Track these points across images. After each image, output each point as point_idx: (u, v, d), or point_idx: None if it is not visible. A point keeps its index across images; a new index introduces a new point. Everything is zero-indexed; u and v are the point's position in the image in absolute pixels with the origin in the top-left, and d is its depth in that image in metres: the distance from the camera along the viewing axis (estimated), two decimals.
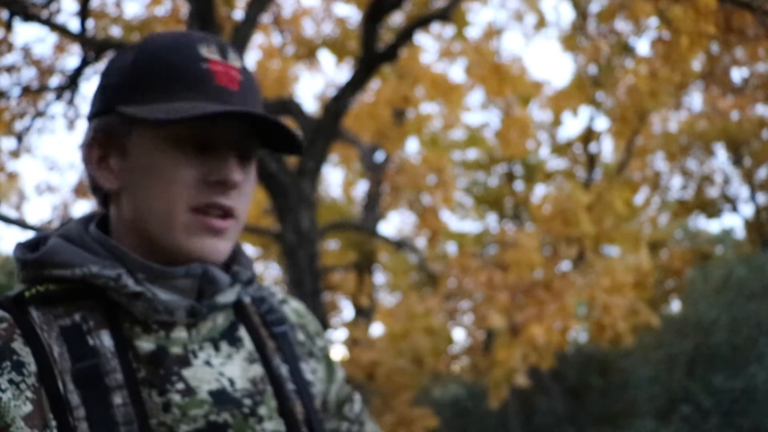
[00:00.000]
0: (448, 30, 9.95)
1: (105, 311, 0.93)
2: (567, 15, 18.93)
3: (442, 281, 9.62)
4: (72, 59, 6.99)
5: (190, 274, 0.94)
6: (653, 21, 7.16)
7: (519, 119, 10.32)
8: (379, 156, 11.10)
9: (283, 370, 1.03)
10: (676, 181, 14.90)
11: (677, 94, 10.07)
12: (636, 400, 11.02)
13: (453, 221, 14.16)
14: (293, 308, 1.16)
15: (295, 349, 1.09)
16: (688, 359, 10.59)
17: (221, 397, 0.94)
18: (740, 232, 15.60)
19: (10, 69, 6.37)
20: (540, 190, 13.73)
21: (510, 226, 13.44)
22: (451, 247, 13.54)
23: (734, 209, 15.03)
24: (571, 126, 29.62)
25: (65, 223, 1.02)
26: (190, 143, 0.94)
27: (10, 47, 6.14)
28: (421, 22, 7.15)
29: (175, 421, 0.91)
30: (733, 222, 25.21)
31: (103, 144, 0.97)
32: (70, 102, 6.83)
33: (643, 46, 12.18)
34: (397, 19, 8.53)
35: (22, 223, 5.68)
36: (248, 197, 1.00)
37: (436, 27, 9.63)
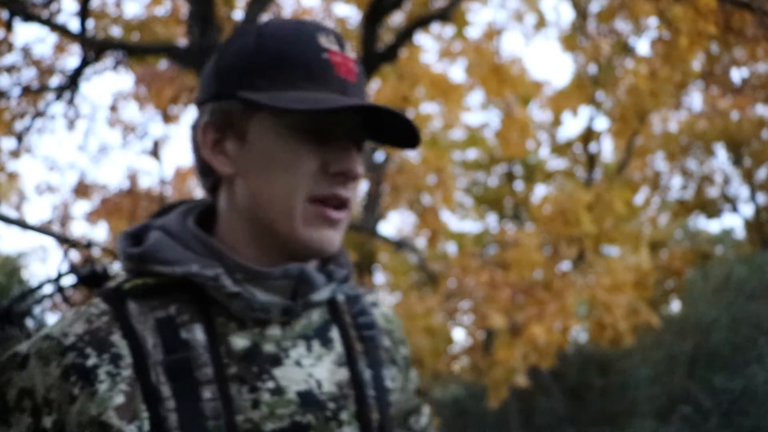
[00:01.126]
0: (448, 30, 9.95)
1: (200, 305, 0.94)
2: (567, 15, 18.93)
3: (442, 281, 9.62)
4: (72, 59, 7.00)
5: (288, 275, 0.95)
6: (653, 21, 7.16)
7: (519, 119, 10.31)
8: (379, 156, 11.10)
9: (367, 375, 1.03)
10: (676, 181, 14.91)
11: (677, 94, 10.07)
12: (636, 400, 11.02)
13: (453, 221, 14.16)
14: (383, 313, 1.15)
15: (380, 354, 1.08)
16: (688, 359, 10.59)
17: (307, 399, 0.95)
18: (740, 232, 15.62)
19: (10, 69, 6.37)
20: (540, 190, 13.74)
21: (510, 226, 13.44)
22: (451, 247, 13.54)
23: (734, 209, 15.04)
24: (571, 126, 29.61)
25: (163, 210, 1.02)
26: (312, 133, 0.94)
27: (10, 47, 6.14)
28: (421, 22, 7.15)
29: (262, 418, 0.92)
30: (733, 222, 25.20)
31: (220, 128, 0.96)
32: (70, 102, 6.84)
33: (643, 46, 12.18)
34: (397, 19, 8.53)
35: (22, 223, 5.67)
36: (358, 187, 1.00)
37: (436, 27, 9.62)
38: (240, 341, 0.94)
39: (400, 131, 0.97)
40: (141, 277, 0.95)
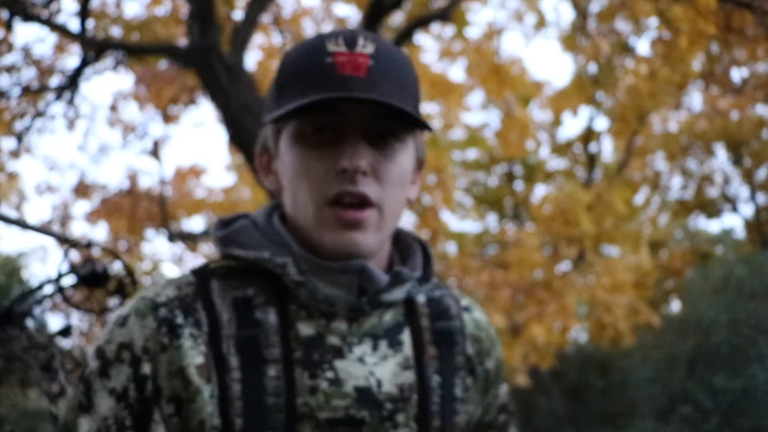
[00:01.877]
0: (448, 30, 9.95)
1: (275, 291, 1.00)
2: (567, 15, 18.91)
3: (442, 281, 9.62)
4: (72, 59, 7.00)
5: (347, 269, 0.98)
6: (653, 21, 7.16)
7: (519, 119, 10.31)
8: None
9: (435, 381, 1.04)
10: (676, 181, 14.90)
11: (677, 94, 10.07)
12: (636, 400, 11.02)
13: (453, 221, 14.14)
14: (474, 318, 1.14)
15: (456, 360, 1.08)
16: (688, 359, 10.59)
17: (364, 395, 0.98)
18: (740, 232, 15.60)
19: (10, 69, 6.37)
20: (540, 190, 13.73)
21: (510, 226, 13.44)
22: (451, 247, 13.53)
23: (734, 209, 15.03)
24: (571, 126, 29.59)
25: (274, 206, 1.09)
26: (317, 136, 0.98)
27: (10, 47, 6.14)
28: (421, 22, 7.16)
29: (318, 405, 0.97)
30: (733, 222, 25.18)
31: (266, 150, 1.06)
32: (70, 102, 6.84)
33: (643, 46, 12.16)
34: (397, 19, 8.53)
35: (22, 223, 5.67)
36: (393, 184, 1.00)
37: (436, 27, 9.62)
38: (306, 329, 0.99)
39: (411, 121, 0.99)
40: (225, 260, 1.03)
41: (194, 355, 0.95)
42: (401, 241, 1.11)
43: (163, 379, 0.95)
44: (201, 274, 1.01)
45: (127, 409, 0.95)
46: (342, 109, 0.97)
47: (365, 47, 0.98)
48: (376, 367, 1.00)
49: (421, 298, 1.08)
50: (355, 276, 0.98)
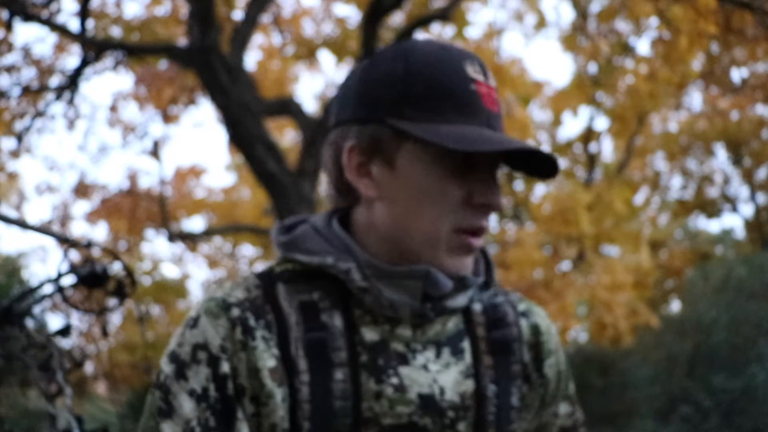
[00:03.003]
0: (448, 30, 9.95)
1: (340, 295, 0.99)
2: (567, 15, 18.91)
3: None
4: (72, 59, 7.00)
5: (413, 274, 0.97)
6: (653, 21, 7.16)
7: (519, 119, 10.32)
8: None
9: (491, 390, 1.03)
10: (676, 181, 14.91)
11: (677, 94, 10.07)
12: (636, 400, 11.02)
13: None
14: (532, 323, 1.12)
15: (512, 369, 1.07)
16: (688, 359, 10.59)
17: (428, 402, 0.98)
18: (740, 232, 15.61)
19: (10, 69, 6.37)
20: (540, 190, 13.73)
21: (510, 226, 13.44)
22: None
23: (734, 209, 15.04)
24: (571, 126, 29.59)
25: (333, 211, 1.07)
26: (457, 164, 0.97)
27: (10, 47, 6.14)
28: (421, 22, 7.16)
29: (383, 411, 0.96)
30: (733, 222, 25.21)
31: (367, 152, 0.99)
32: (70, 102, 6.84)
33: (643, 46, 12.18)
34: (397, 19, 8.53)
35: (22, 223, 5.67)
36: None
37: (436, 27, 9.62)
38: (371, 334, 0.98)
39: (539, 161, 0.99)
40: (290, 264, 1.02)
41: (267, 357, 0.95)
42: None
43: (243, 378, 0.94)
44: (266, 277, 1.01)
45: (209, 410, 0.93)
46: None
47: (491, 80, 1.00)
48: (439, 374, 1.00)
49: (477, 307, 1.07)
50: (420, 281, 0.97)
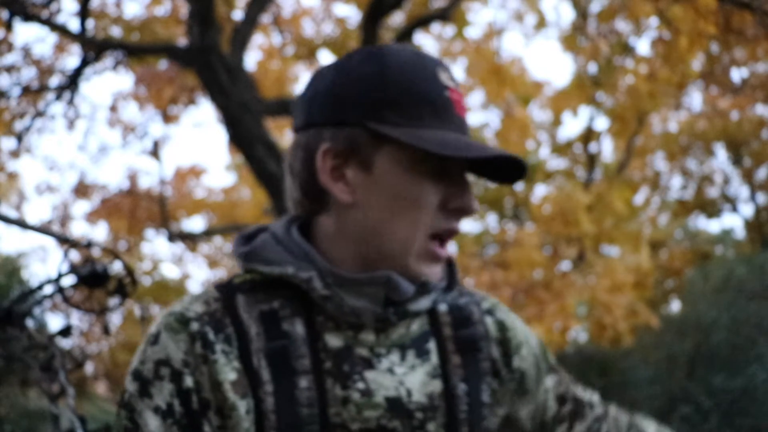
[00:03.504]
0: (448, 30, 9.95)
1: (301, 303, 0.99)
2: (567, 15, 18.91)
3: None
4: (72, 59, 7.00)
5: (374, 281, 0.97)
6: (653, 21, 7.16)
7: (519, 119, 10.32)
8: None
9: (461, 389, 1.04)
10: (676, 181, 14.90)
11: (677, 94, 10.07)
12: (636, 400, 11.02)
13: None
14: (497, 320, 1.13)
15: (481, 366, 1.08)
16: (688, 359, 10.59)
17: (395, 405, 0.98)
18: (740, 232, 15.60)
19: (10, 69, 6.37)
20: (540, 190, 13.73)
21: (510, 226, 13.44)
22: (451, 248, 13.53)
23: (734, 209, 15.03)
24: (571, 126, 29.59)
25: (292, 219, 1.05)
26: (434, 169, 0.97)
27: (10, 47, 6.14)
28: (421, 22, 7.16)
29: (351, 416, 0.96)
30: (733, 222, 25.20)
31: (342, 155, 0.97)
32: (70, 102, 6.84)
33: (643, 46, 12.17)
34: (397, 19, 8.53)
35: (22, 223, 5.68)
36: None
37: (436, 27, 9.63)
38: (334, 340, 0.98)
39: (509, 166, 1.00)
40: (249, 274, 1.01)
41: (228, 371, 0.94)
42: None
43: (207, 391, 0.94)
44: (226, 289, 1.00)
45: (176, 425, 0.93)
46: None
47: (460, 86, 1.01)
48: (406, 376, 1.00)
49: (442, 307, 1.08)
50: (381, 287, 0.97)
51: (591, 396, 1.23)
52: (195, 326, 0.95)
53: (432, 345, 1.04)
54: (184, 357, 0.94)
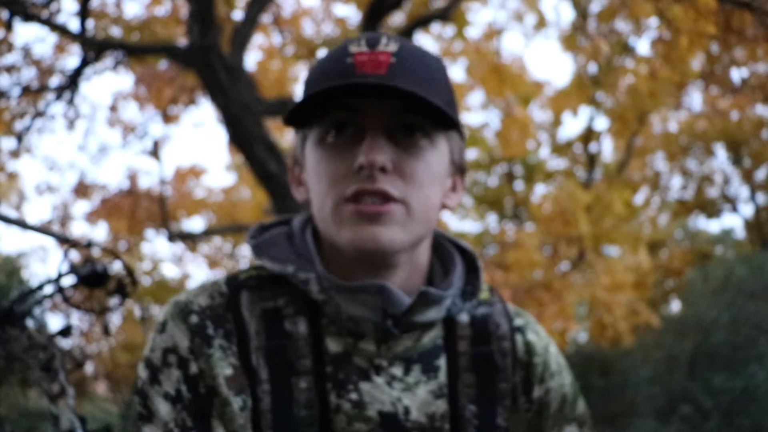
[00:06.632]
0: (448, 30, 9.95)
1: (306, 302, 0.98)
2: (567, 15, 18.91)
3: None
4: (72, 59, 7.00)
5: (365, 289, 0.93)
6: (653, 21, 7.16)
7: (519, 119, 10.31)
8: None
9: (470, 410, 0.97)
10: (676, 181, 14.90)
11: (677, 94, 10.07)
12: (636, 400, 11.02)
13: (453, 221, 14.16)
14: (527, 341, 1.05)
15: (498, 387, 1.00)
16: (688, 359, 10.59)
17: (389, 421, 0.94)
18: (740, 232, 15.60)
19: (10, 69, 6.37)
20: (540, 190, 13.73)
21: (510, 227, 13.44)
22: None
23: (734, 209, 15.03)
24: (571, 126, 29.60)
25: (309, 217, 1.04)
26: (339, 137, 0.94)
27: (10, 47, 6.14)
28: (421, 22, 7.16)
29: (341, 426, 0.94)
30: (733, 222, 25.20)
31: (296, 162, 1.03)
32: (70, 102, 6.84)
33: (643, 46, 12.16)
34: (397, 19, 8.52)
35: (22, 223, 5.68)
36: (421, 183, 0.93)
37: (436, 27, 9.62)
38: (334, 345, 0.96)
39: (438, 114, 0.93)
40: (256, 269, 1.01)
41: (224, 366, 0.94)
42: (444, 252, 1.04)
43: (211, 378, 0.95)
44: (233, 283, 0.99)
45: (185, 410, 0.94)
46: (360, 105, 0.92)
47: (387, 46, 0.93)
48: (405, 393, 0.95)
49: (463, 318, 1.01)
50: (377, 296, 0.93)
51: None
52: (194, 319, 0.96)
53: (442, 361, 0.98)
54: (190, 344, 0.95)
